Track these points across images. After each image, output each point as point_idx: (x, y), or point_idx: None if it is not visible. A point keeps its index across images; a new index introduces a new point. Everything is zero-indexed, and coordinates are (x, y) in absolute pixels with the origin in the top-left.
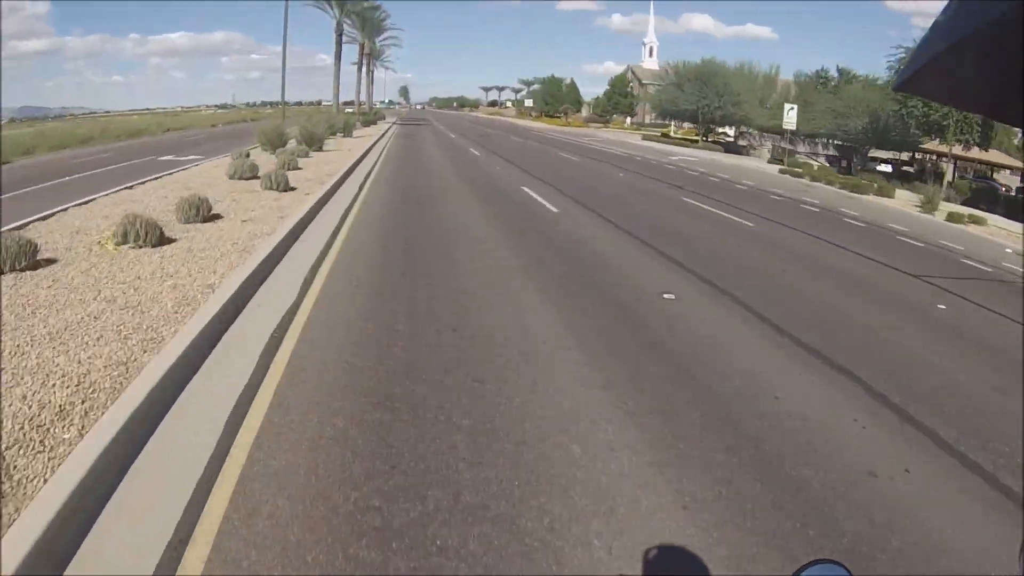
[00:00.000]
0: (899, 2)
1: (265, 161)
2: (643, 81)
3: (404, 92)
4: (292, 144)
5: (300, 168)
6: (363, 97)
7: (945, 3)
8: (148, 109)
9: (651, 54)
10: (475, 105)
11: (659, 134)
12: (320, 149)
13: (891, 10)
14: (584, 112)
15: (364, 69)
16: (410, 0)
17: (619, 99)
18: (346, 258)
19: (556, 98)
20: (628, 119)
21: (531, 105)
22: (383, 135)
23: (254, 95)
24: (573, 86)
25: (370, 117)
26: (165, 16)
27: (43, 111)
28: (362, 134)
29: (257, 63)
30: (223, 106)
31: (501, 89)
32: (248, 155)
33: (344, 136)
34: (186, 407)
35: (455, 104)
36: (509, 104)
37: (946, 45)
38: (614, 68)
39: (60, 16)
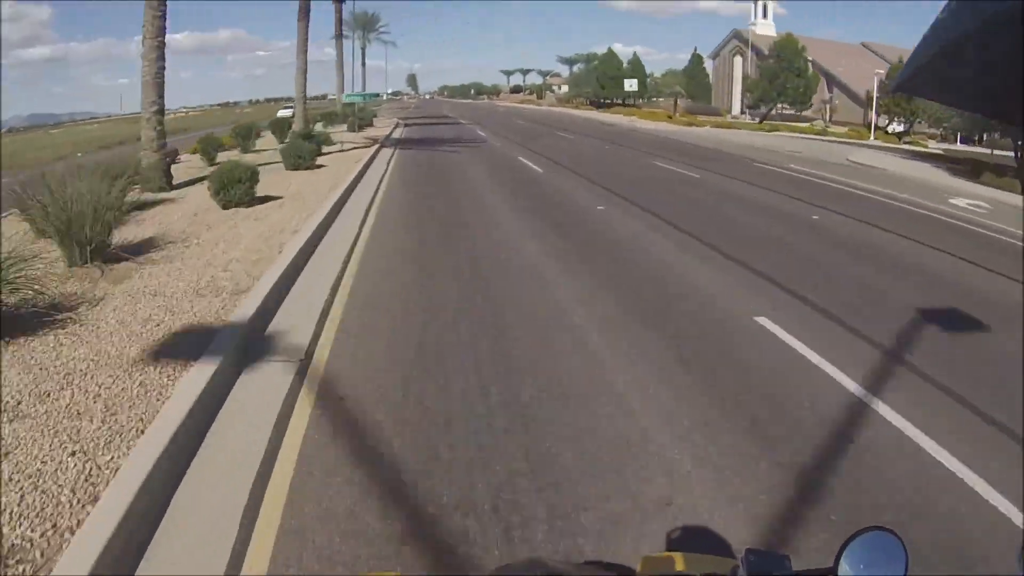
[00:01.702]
0: None
1: None
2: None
3: (412, 81)
4: None
5: None
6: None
7: (945, 3)
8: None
9: (765, 14)
10: (495, 92)
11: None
12: None
13: None
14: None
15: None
16: None
17: (789, 77)
18: None
19: (616, 81)
20: (741, 112)
21: (634, 90)
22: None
23: (261, 91)
24: (638, 63)
25: (305, 149)
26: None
27: (52, 117)
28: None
29: (263, 60)
30: (225, 104)
31: (526, 72)
32: None
33: None
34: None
35: (472, 92)
36: (556, 89)
37: (946, 45)
38: (623, 51)
39: (63, 21)
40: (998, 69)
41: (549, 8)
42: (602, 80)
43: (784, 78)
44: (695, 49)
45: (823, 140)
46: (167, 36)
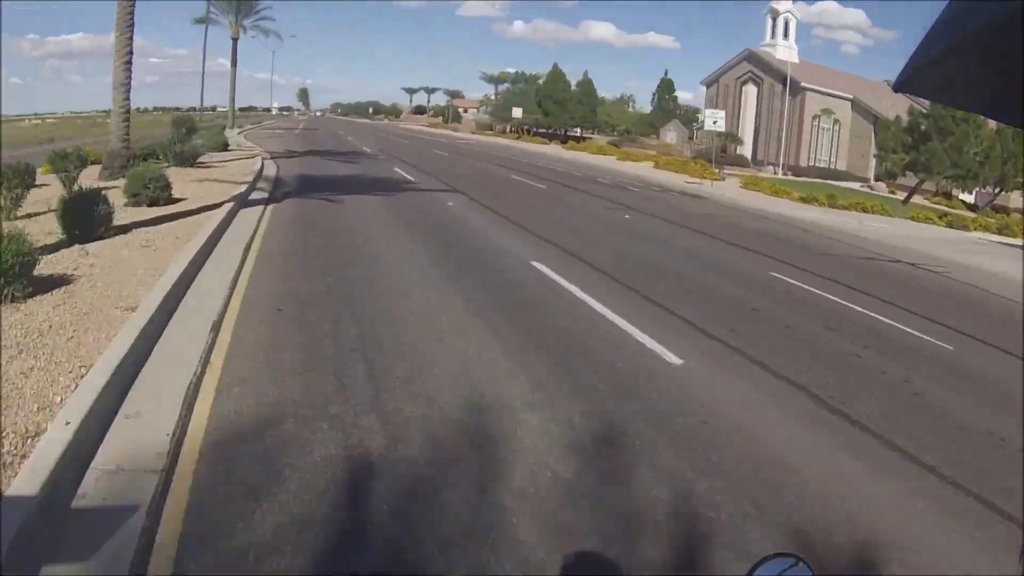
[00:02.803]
0: None
1: None
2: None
3: (304, 96)
4: None
5: None
6: None
7: (945, 3)
8: (36, 113)
9: (786, 33)
10: (395, 112)
11: None
12: None
13: None
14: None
15: None
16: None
17: (965, 135)
18: None
19: (563, 105)
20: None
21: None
22: None
23: (152, 100)
24: (588, 85)
25: None
26: (64, 16)
27: None
28: None
29: (155, 67)
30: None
31: (431, 91)
32: None
33: None
34: None
35: (370, 111)
36: (463, 112)
37: (946, 45)
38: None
39: None
40: (998, 69)
41: (455, 26)
42: (546, 104)
43: (959, 136)
44: (665, 73)
45: None
46: (62, 37)
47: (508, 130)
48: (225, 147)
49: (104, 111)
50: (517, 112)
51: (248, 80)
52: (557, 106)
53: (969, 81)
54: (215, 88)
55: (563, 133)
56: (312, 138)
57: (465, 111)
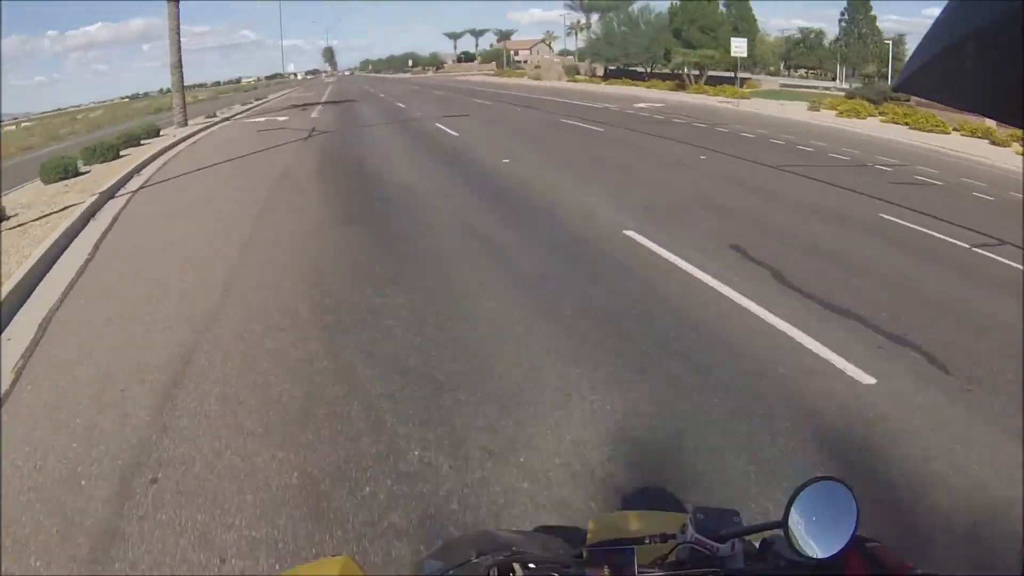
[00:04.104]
0: None
1: None
2: None
3: (329, 55)
4: None
5: None
6: None
7: (946, 3)
8: (60, 108)
9: None
10: (436, 64)
11: None
12: None
13: None
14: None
15: None
16: None
17: None
18: None
19: (713, 35)
20: None
21: None
22: None
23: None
24: (745, 7)
25: None
26: (81, 9)
27: None
28: None
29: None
30: (135, 96)
31: (479, 34)
32: None
33: None
34: None
35: (409, 63)
36: (515, 55)
37: (946, 45)
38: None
39: None
40: (999, 69)
41: None
42: (691, 34)
43: None
44: None
45: None
46: (81, 29)
47: (602, 74)
48: None
49: (130, 96)
50: (739, 47)
51: (273, 48)
52: (706, 36)
53: (969, 81)
54: (243, 61)
55: (697, 74)
56: (356, 149)
57: (516, 54)
